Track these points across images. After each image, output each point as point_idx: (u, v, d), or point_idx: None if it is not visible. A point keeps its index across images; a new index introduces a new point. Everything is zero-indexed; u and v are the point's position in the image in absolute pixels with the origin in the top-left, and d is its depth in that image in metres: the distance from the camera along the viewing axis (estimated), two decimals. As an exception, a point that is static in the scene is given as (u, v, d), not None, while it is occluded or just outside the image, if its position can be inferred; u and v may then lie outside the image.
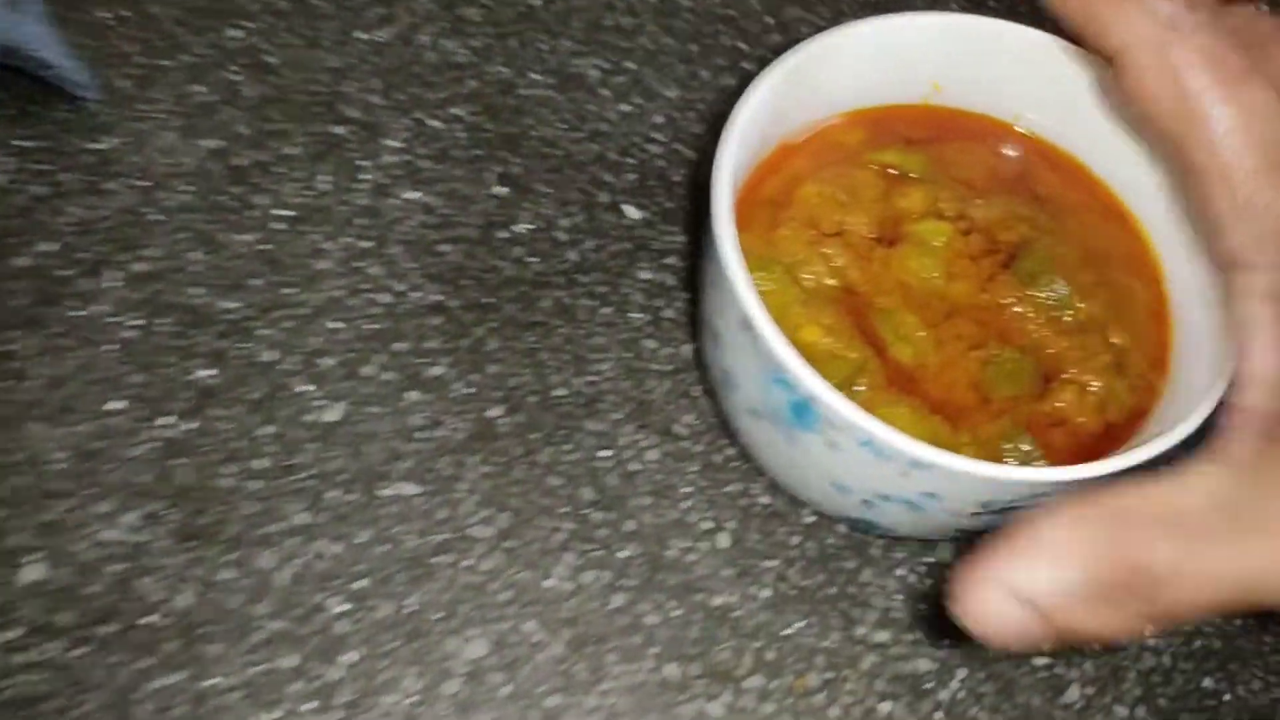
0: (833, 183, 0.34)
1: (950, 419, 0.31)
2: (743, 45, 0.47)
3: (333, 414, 0.37)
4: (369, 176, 0.41)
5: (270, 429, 0.37)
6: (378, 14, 0.45)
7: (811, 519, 0.37)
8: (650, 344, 0.39)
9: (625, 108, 0.44)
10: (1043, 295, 0.33)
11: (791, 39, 0.45)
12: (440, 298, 0.39)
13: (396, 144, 0.42)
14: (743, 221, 0.31)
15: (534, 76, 0.44)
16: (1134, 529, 0.21)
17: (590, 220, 0.42)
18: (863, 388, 0.31)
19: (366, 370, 0.38)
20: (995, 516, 0.29)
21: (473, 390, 0.38)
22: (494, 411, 0.38)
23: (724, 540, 0.36)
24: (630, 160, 0.43)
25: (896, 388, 0.32)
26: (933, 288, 0.33)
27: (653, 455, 0.38)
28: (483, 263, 0.40)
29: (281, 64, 0.43)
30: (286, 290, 0.39)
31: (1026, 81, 0.36)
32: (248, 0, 0.45)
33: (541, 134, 0.43)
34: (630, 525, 0.36)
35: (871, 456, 0.28)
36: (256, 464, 0.36)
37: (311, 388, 0.37)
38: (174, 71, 0.43)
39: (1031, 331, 0.33)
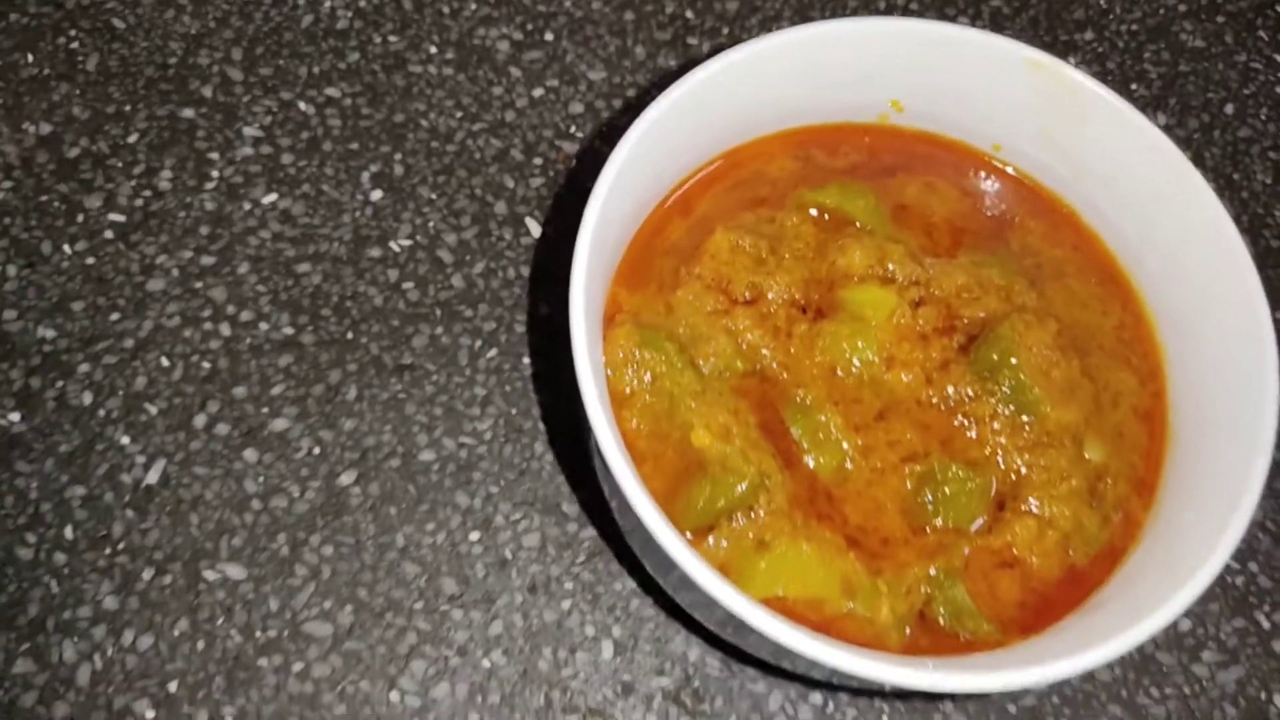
0: (752, 231, 0.27)
1: (870, 555, 0.25)
2: (689, 14, 0.39)
3: (154, 474, 0.31)
4: (219, 173, 0.34)
5: (80, 490, 0.31)
6: (249, -35, 0.37)
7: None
8: (543, 398, 0.33)
9: (538, 92, 0.36)
10: (1005, 394, 0.26)
11: (750, 5, 0.37)
12: (292, 331, 0.33)
13: (255, 132, 0.35)
14: (637, 276, 0.26)
15: (430, 49, 0.37)
16: None
17: (483, 237, 0.34)
18: (761, 512, 0.24)
19: (198, 421, 0.32)
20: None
21: (321, 451, 0.32)
22: (346, 478, 0.31)
23: (607, 650, 0.30)
24: (538, 161, 0.35)
25: (805, 511, 0.25)
26: (867, 377, 0.26)
27: (532, 540, 0.31)
28: (348, 288, 0.33)
29: (130, 28, 0.36)
30: (113, 316, 0.33)
31: (1008, 103, 0.28)
32: (96, -55, 0.37)
33: (433, 124, 0.36)
34: (497, 627, 0.30)
35: (746, 632, 0.22)
36: (63, 533, 0.30)
37: (130, 441, 0.31)
38: (0, 37, 0.36)
39: (985, 442, 0.26)
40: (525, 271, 0.34)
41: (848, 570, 0.24)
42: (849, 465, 0.25)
